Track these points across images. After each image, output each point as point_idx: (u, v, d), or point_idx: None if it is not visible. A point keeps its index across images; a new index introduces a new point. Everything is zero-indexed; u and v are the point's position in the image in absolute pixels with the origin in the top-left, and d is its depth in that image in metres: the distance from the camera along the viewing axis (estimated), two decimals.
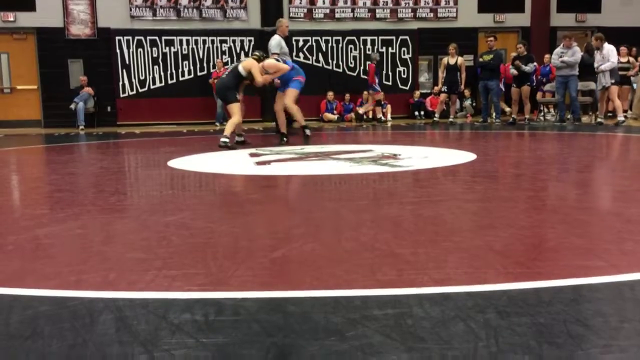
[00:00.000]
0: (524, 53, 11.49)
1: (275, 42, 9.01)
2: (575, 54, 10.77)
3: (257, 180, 4.78)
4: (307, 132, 7.87)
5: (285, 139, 7.84)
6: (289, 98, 7.78)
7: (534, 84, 12.54)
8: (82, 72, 13.34)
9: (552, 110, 13.12)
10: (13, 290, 1.94)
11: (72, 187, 4.56)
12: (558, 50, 11.10)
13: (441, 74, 12.28)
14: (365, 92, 13.84)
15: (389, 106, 14.01)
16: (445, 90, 12.14)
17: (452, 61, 11.98)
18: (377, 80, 12.92)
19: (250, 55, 7.72)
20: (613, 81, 10.51)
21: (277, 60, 8.10)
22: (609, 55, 10.48)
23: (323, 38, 14.18)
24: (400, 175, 4.72)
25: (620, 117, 10.52)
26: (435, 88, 13.20)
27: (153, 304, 1.78)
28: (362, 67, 14.40)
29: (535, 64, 11.96)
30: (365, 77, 14.37)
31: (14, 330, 1.61)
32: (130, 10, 13.54)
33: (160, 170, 5.52)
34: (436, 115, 12.45)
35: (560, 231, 2.71)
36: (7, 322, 1.66)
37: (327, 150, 6.73)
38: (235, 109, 7.37)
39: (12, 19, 13.13)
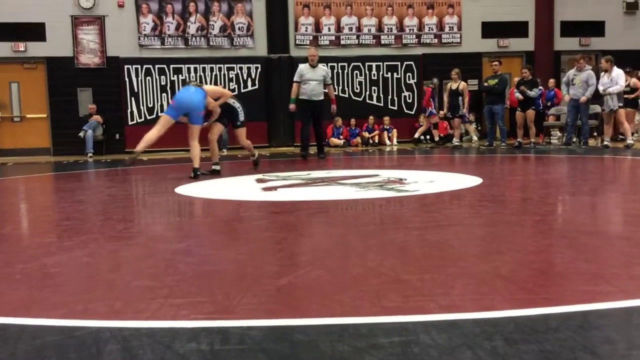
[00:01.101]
0: (529, 78, 11.54)
1: (297, 70, 9.91)
2: (591, 79, 10.70)
3: (263, 206, 4.79)
4: (197, 173, 7.15)
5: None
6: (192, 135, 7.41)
7: (540, 108, 12.58)
8: (91, 101, 13.49)
9: (559, 133, 13.13)
10: (20, 319, 1.95)
11: (81, 215, 4.59)
12: (570, 72, 11.10)
13: (446, 99, 12.41)
14: (387, 118, 14.04)
15: (394, 131, 14.08)
16: (450, 115, 12.29)
17: (454, 86, 12.13)
18: (433, 104, 13.39)
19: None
20: (621, 104, 10.54)
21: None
22: (618, 79, 10.52)
23: (329, 64, 14.25)
24: (406, 200, 4.72)
25: (630, 141, 10.51)
26: (441, 112, 13.28)
27: (159, 333, 1.78)
28: (367, 92, 14.49)
29: (541, 87, 11.99)
30: (371, 102, 14.48)
31: None
32: (139, 39, 13.74)
33: (168, 197, 5.55)
34: (455, 139, 12.46)
35: (567, 256, 2.69)
36: (15, 352, 1.67)
37: (333, 176, 6.75)
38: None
39: (22, 48, 13.35)
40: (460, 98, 12.06)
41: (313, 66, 9.73)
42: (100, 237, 3.52)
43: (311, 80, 9.66)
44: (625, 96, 11.68)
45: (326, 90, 9.95)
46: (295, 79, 9.78)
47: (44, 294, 2.28)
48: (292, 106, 9.85)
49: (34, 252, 3.15)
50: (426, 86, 13.94)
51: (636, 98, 11.85)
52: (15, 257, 3.03)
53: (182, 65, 13.77)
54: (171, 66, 13.71)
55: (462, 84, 12.08)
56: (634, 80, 11.81)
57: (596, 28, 15.23)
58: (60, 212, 4.82)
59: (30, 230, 4.17)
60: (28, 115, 13.70)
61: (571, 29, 15.09)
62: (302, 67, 9.78)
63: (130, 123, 13.70)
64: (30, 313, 2.03)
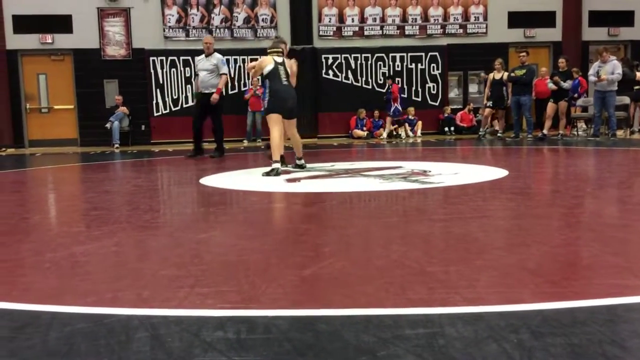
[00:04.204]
0: (565, 69, 11.37)
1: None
2: (617, 69, 10.57)
3: (287, 197, 4.80)
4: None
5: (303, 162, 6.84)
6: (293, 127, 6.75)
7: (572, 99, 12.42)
8: (117, 92, 13.67)
9: (584, 125, 12.94)
10: (52, 307, 1.99)
11: (108, 204, 4.66)
12: (596, 64, 10.93)
13: (487, 90, 12.22)
14: (411, 109, 14.04)
15: (419, 122, 14.00)
16: (491, 105, 12.08)
17: (497, 76, 11.93)
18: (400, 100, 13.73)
19: (274, 51, 6.54)
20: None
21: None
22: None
23: (352, 55, 14.26)
24: (430, 192, 4.69)
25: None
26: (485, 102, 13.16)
27: (186, 321, 1.81)
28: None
29: (579, 78, 11.85)
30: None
31: (52, 347, 1.65)
32: (164, 31, 13.86)
33: (192, 187, 5.60)
34: (481, 130, 12.40)
35: (595, 249, 2.66)
36: (46, 339, 1.71)
37: (357, 167, 6.74)
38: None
39: (50, 40, 13.56)
40: (504, 88, 11.89)
41: (207, 55, 8.93)
42: (127, 226, 3.58)
43: (202, 71, 8.91)
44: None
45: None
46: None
47: (73, 282, 2.33)
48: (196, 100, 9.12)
49: (63, 241, 3.22)
50: (394, 82, 13.87)
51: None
52: (45, 246, 3.10)
53: None
54: (196, 58, 13.74)
55: (507, 74, 11.90)
56: None
57: (625, 18, 14.91)
58: (88, 202, 4.90)
59: (59, 220, 4.25)
60: (56, 107, 13.93)
61: (600, 18, 14.80)
62: (198, 58, 9.16)
63: (155, 114, 13.85)
64: (61, 301, 2.07)
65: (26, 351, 1.62)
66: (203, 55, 8.96)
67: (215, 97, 8.74)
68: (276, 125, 6.36)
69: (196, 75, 9.03)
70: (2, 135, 13.19)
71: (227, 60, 9.75)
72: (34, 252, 2.97)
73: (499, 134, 12.16)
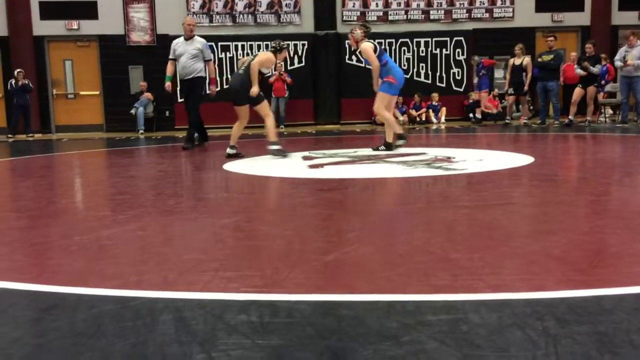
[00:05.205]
0: (593, 53, 11.14)
1: (172, 45, 8.55)
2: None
3: (310, 183, 4.81)
4: (400, 142, 6.95)
5: (384, 147, 6.83)
6: (377, 103, 6.85)
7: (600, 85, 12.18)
8: (142, 78, 13.76)
9: (610, 110, 12.68)
10: (78, 289, 2.03)
11: (133, 189, 4.72)
12: (622, 49, 10.71)
13: (508, 76, 12.05)
14: (435, 95, 13.76)
15: (443, 108, 13.85)
16: (512, 92, 11.91)
17: (517, 62, 11.74)
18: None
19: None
20: None
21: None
22: None
23: (376, 41, 14.05)
24: (454, 178, 4.65)
25: None
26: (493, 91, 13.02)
27: (210, 304, 1.82)
28: (415, 69, 14.27)
29: (607, 64, 11.61)
30: (419, 79, 14.23)
31: (79, 328, 1.68)
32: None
33: (216, 173, 5.64)
34: (507, 117, 12.25)
35: (622, 237, 2.61)
36: (73, 320, 1.74)
37: (380, 154, 6.70)
38: (267, 109, 6.74)
39: (76, 26, 13.68)
40: (524, 74, 11.72)
41: (187, 39, 8.22)
42: (152, 211, 3.62)
43: (183, 55, 8.19)
44: None
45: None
46: (170, 56, 8.52)
47: (100, 265, 2.36)
48: (167, 84, 8.59)
49: (89, 225, 3.26)
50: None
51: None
52: (72, 230, 3.15)
53: (230, 43, 13.85)
54: (219, 43, 13.79)
55: (527, 60, 11.69)
56: None
57: None
58: (113, 187, 4.96)
59: (85, 204, 4.31)
60: (81, 93, 14.09)
61: (630, 2, 14.42)
62: (175, 42, 8.37)
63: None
64: (88, 283, 2.10)
65: (53, 332, 1.65)
66: (182, 39, 8.29)
67: (213, 89, 8.51)
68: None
69: (172, 60, 8.40)
70: (30, 120, 13.39)
71: (210, 46, 9.20)
72: (62, 235, 3.02)
73: (524, 121, 11.98)
